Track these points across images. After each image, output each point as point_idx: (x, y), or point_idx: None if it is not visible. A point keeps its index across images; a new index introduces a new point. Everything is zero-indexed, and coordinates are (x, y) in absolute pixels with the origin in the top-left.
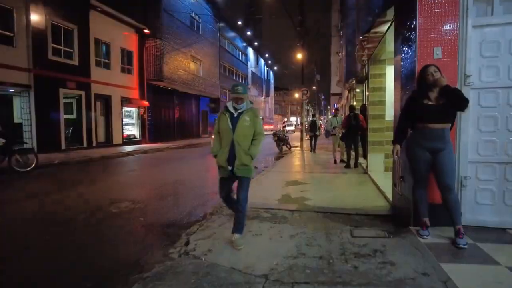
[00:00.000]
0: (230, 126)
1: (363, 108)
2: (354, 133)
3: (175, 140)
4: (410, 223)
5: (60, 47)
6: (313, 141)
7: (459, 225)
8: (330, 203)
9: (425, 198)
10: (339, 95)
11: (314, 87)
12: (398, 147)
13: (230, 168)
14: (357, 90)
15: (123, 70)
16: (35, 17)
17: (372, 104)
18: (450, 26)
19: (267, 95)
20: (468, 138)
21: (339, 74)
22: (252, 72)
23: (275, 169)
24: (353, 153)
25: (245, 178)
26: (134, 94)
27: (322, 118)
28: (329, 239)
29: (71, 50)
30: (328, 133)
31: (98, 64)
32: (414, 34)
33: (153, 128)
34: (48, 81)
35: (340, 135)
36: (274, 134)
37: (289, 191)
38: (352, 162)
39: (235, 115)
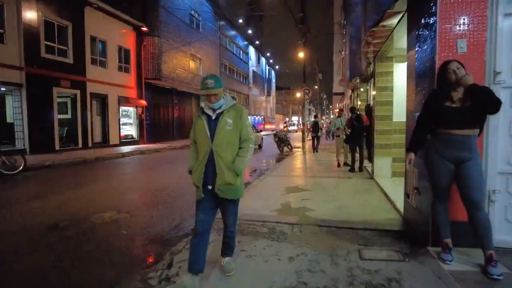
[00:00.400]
0: (208, 132)
1: (368, 109)
2: (358, 134)
3: (174, 140)
4: (428, 242)
5: (54, 45)
6: (315, 142)
7: (491, 250)
8: (334, 214)
9: (447, 215)
10: (342, 94)
11: (316, 87)
12: (412, 155)
13: (210, 187)
14: (361, 89)
15: (120, 69)
16: (27, 13)
17: (379, 104)
18: (476, 15)
19: (269, 94)
20: (497, 146)
21: (342, 73)
22: (253, 71)
23: (275, 173)
24: (357, 155)
25: (231, 202)
26: (132, 93)
27: (324, 118)
28: (335, 263)
29: (66, 48)
30: (328, 134)
31: (94, 62)
32: (433, 25)
33: (151, 128)
34: (41, 79)
35: (344, 136)
36: (275, 135)
37: (289, 199)
38: (356, 165)
39: (213, 117)
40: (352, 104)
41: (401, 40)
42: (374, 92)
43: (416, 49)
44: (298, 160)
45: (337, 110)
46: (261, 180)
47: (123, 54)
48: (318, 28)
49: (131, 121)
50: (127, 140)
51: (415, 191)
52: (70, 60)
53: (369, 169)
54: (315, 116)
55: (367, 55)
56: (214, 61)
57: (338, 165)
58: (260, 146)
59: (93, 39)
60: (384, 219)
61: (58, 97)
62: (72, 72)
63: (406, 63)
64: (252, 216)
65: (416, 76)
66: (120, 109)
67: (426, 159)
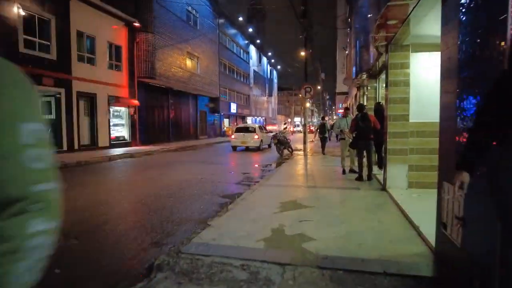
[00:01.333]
0: None
1: (378, 108)
2: (364, 137)
3: (170, 142)
4: None
5: (35, 39)
6: (323, 143)
7: None
8: (342, 247)
9: None
10: (346, 94)
11: (318, 87)
12: (466, 177)
13: None
14: (369, 87)
15: (110, 67)
16: (3, 5)
17: (392, 101)
18: None
19: (270, 94)
20: None
21: (346, 70)
22: (254, 71)
23: (271, 181)
24: (365, 161)
25: None
26: (123, 92)
27: (327, 118)
28: None
29: (48, 43)
30: (336, 136)
31: (81, 59)
32: None
33: (145, 129)
34: None
35: (350, 139)
36: (274, 137)
37: (283, 221)
38: (364, 173)
39: None
40: (358, 103)
41: (420, 25)
42: (383, 89)
43: (462, 20)
44: (298, 165)
45: (342, 110)
46: (252, 191)
47: (114, 51)
48: (321, 23)
49: (123, 122)
50: (118, 142)
51: (459, 222)
52: (53, 56)
53: (380, 178)
54: (323, 118)
55: (378, 43)
56: (212, 59)
57: (343, 172)
58: (269, 146)
59: (80, 34)
60: (408, 254)
61: (41, 96)
62: (56, 69)
63: (425, 53)
64: (229, 250)
65: (460, 59)
66: (111, 110)
67: (491, 179)
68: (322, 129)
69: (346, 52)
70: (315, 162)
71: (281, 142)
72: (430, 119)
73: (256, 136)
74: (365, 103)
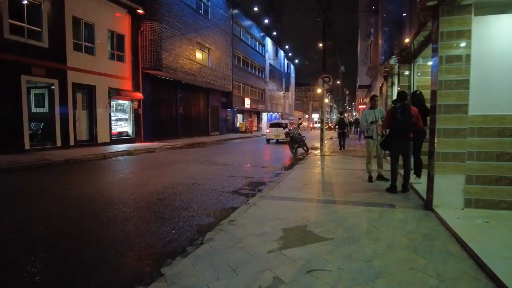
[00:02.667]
0: None
1: (416, 98)
2: (403, 135)
3: (178, 138)
4: None
5: (23, 25)
6: (341, 139)
7: None
8: None
9: None
10: (368, 87)
11: (338, 82)
12: None
13: None
14: (401, 74)
15: (112, 57)
16: None
17: (444, 86)
18: None
19: (287, 90)
20: None
21: (370, 60)
22: (270, 65)
23: (276, 191)
24: (397, 167)
25: None
26: (126, 84)
27: (346, 114)
28: None
29: (39, 30)
30: (359, 133)
31: (77, 48)
32: None
33: (150, 125)
34: (4, 64)
35: (381, 137)
36: (287, 134)
37: (281, 272)
38: (399, 182)
39: None
40: (394, 91)
41: None
42: (419, 76)
43: None
44: (313, 167)
45: (363, 105)
46: (248, 207)
47: (116, 41)
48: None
49: (126, 116)
50: (121, 138)
51: None
52: (44, 44)
53: (418, 189)
54: (341, 113)
55: (428, 3)
56: (225, 51)
57: (370, 179)
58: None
59: (76, 21)
60: None
61: (33, 87)
62: (48, 58)
63: (496, 15)
64: None
65: None
66: (113, 103)
67: None
68: (341, 124)
69: (370, 40)
70: (334, 163)
71: (295, 140)
72: (500, 110)
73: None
74: (388, 94)
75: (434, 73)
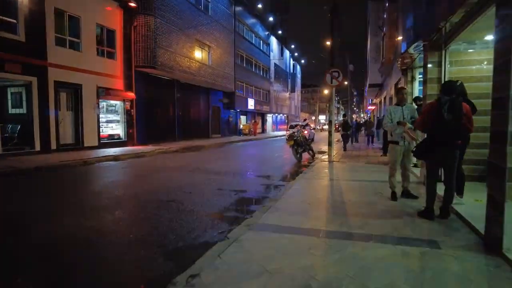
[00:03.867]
0: None
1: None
2: (450, 142)
3: (176, 141)
4: None
5: None
6: (345, 140)
7: None
8: None
9: None
10: (379, 86)
11: (346, 82)
12: None
13: None
14: (430, 64)
15: (101, 53)
16: None
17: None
18: None
19: (293, 90)
20: None
21: (383, 55)
22: (276, 65)
23: (269, 218)
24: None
25: None
26: (117, 83)
27: (354, 116)
28: None
29: (14, 21)
30: (369, 136)
31: (61, 43)
32: None
33: (144, 127)
34: None
35: (413, 142)
36: (290, 137)
37: None
38: (435, 204)
39: None
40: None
41: None
42: (454, 66)
43: None
44: (320, 179)
45: (376, 102)
46: (225, 248)
47: (106, 36)
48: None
49: (118, 118)
50: (112, 141)
51: None
52: (20, 37)
53: (462, 212)
54: (344, 115)
55: None
56: (226, 49)
57: (393, 196)
58: (313, 139)
59: (59, 13)
60: None
61: (10, 85)
62: (24, 53)
63: None
64: None
65: None
66: (104, 104)
67: None
68: (345, 126)
69: (383, 33)
70: (344, 172)
71: (299, 144)
72: None
73: (305, 132)
74: (414, 90)
75: (496, 52)
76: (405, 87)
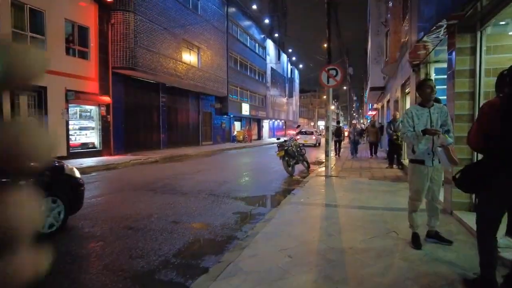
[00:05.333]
0: None
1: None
2: None
3: (160, 149)
4: None
5: None
6: (337, 145)
7: None
8: None
9: None
10: (381, 89)
11: (345, 87)
12: None
13: None
14: (458, 52)
15: (72, 53)
16: None
17: None
18: None
19: (291, 96)
20: None
21: (387, 53)
22: (272, 69)
23: (234, 277)
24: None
25: None
26: (91, 86)
27: (354, 122)
28: None
29: None
30: (373, 145)
31: (19, 39)
32: None
33: (123, 134)
34: None
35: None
36: (280, 147)
37: None
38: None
39: None
40: (398, 102)
41: None
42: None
43: None
44: (313, 205)
45: (377, 107)
46: None
47: (77, 33)
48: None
49: (93, 124)
50: (85, 151)
51: None
52: None
53: None
54: (338, 122)
55: None
56: (218, 51)
57: (416, 241)
58: (319, 144)
59: (18, 5)
60: None
61: None
62: None
63: None
64: None
65: None
66: (78, 109)
67: None
68: (338, 132)
69: (387, 29)
70: (344, 193)
71: (290, 155)
72: None
73: (313, 137)
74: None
75: None
76: (431, 78)
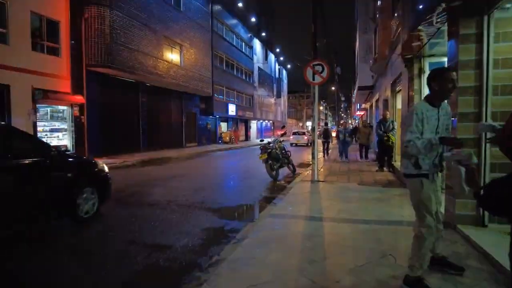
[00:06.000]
0: None
1: None
2: None
3: (140, 152)
4: None
5: None
6: (325, 146)
7: None
8: None
9: None
10: (370, 88)
11: (333, 88)
12: None
13: None
14: (461, 40)
15: (40, 49)
16: None
17: None
18: None
19: (279, 96)
20: None
21: (375, 50)
22: (260, 69)
23: None
24: None
25: None
26: (63, 85)
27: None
28: None
29: None
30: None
31: None
32: None
33: (99, 136)
34: None
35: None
36: (263, 149)
37: None
38: None
39: None
40: (391, 103)
41: None
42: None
43: None
44: (294, 219)
45: (365, 107)
46: None
47: (46, 28)
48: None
49: (65, 126)
50: None
51: None
52: None
53: None
54: (326, 124)
55: None
56: (202, 50)
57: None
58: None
59: None
60: None
61: None
62: None
63: None
64: None
65: None
66: (48, 110)
67: None
68: (325, 133)
69: (375, 24)
70: (333, 203)
71: (274, 158)
72: None
73: (305, 137)
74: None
75: None
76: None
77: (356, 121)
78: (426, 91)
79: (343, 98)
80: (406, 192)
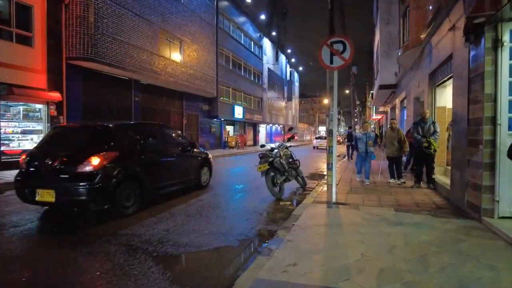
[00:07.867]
0: None
1: None
2: None
3: None
4: None
5: None
6: (350, 150)
7: None
8: None
9: None
10: (393, 87)
11: (347, 91)
12: None
13: None
14: None
15: (8, 37)
16: None
17: None
18: None
19: (290, 99)
20: None
21: (404, 37)
22: (270, 70)
23: None
24: None
25: None
26: (37, 79)
27: (362, 124)
28: None
29: None
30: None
31: None
32: None
33: None
34: None
35: None
36: (264, 157)
37: None
38: None
39: None
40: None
41: None
42: None
43: None
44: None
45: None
46: None
47: (15, 13)
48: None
49: (40, 127)
50: None
51: None
52: None
53: None
54: (349, 127)
55: None
56: (206, 46)
57: None
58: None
59: None
60: None
61: None
62: None
63: None
64: None
65: None
66: (21, 108)
67: None
68: (350, 137)
69: (406, 5)
70: (364, 252)
71: (277, 169)
72: None
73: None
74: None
75: None
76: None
77: (372, 127)
78: (505, 71)
79: (358, 102)
80: (472, 225)
